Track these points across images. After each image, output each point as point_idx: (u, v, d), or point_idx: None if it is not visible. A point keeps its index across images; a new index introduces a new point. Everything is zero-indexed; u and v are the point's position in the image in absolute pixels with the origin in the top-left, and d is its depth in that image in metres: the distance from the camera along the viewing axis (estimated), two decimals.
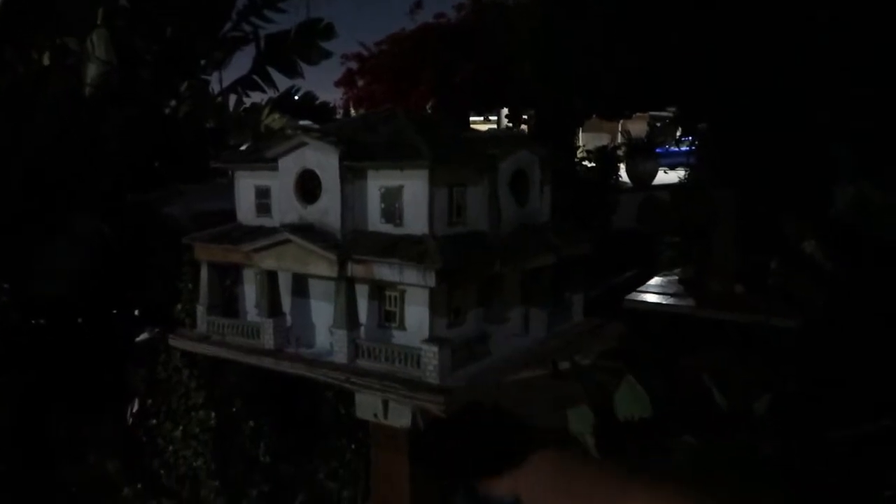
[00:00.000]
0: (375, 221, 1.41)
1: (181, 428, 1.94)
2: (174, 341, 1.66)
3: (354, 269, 1.37)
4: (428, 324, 1.34)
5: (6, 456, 2.41)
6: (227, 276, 1.74)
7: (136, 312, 3.15)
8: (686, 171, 6.85)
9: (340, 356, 1.40)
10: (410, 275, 1.29)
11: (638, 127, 9.26)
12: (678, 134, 8.79)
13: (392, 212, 1.38)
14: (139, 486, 1.99)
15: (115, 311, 3.21)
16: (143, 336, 2.77)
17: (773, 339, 3.47)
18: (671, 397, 2.79)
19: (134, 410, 2.32)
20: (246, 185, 1.60)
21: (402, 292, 1.38)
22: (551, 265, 1.60)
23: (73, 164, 3.17)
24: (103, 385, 2.58)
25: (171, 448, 1.97)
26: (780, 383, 3.07)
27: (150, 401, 2.09)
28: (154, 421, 2.04)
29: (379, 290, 1.41)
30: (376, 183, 1.40)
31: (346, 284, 1.39)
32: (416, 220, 1.36)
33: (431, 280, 1.27)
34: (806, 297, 3.78)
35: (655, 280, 4.42)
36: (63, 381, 2.66)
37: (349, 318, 1.39)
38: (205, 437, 1.91)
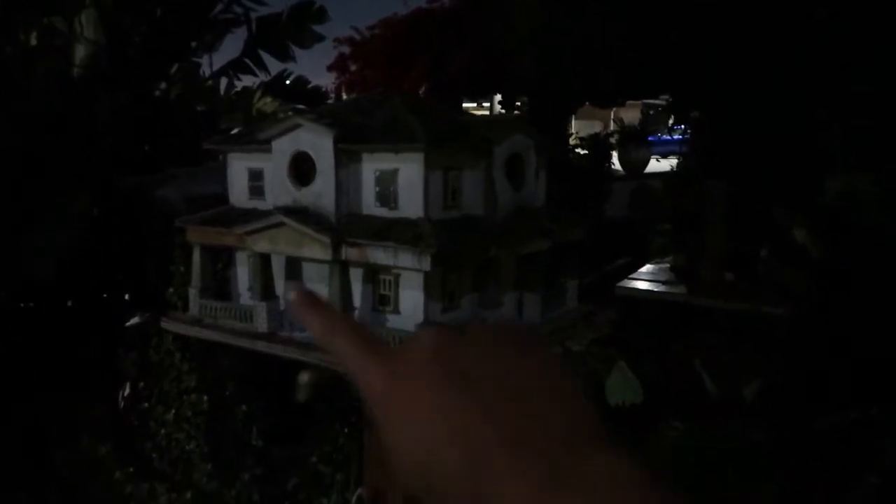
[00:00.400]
0: (370, 205, 1.41)
1: (174, 411, 1.92)
2: (167, 324, 1.66)
3: (349, 253, 1.36)
4: (422, 308, 1.34)
5: None
6: (219, 260, 1.73)
7: (127, 297, 3.13)
8: (679, 159, 6.85)
9: None
10: (405, 258, 1.29)
11: (631, 115, 9.23)
12: (670, 122, 8.77)
13: (387, 195, 1.38)
14: (131, 469, 1.98)
15: (105, 295, 3.18)
16: (134, 320, 2.76)
17: (764, 327, 3.49)
18: (662, 384, 2.80)
19: (126, 394, 2.31)
20: (239, 168, 1.59)
21: (397, 276, 1.38)
22: (546, 250, 1.60)
23: (62, 145, 3.14)
24: (94, 369, 2.56)
25: (163, 431, 1.96)
26: (769, 370, 3.09)
27: (141, 384, 2.08)
28: (146, 404, 2.03)
29: (373, 273, 1.41)
30: (371, 166, 1.39)
31: (341, 268, 1.39)
32: (411, 204, 1.35)
33: (427, 264, 1.27)
34: (796, 286, 3.81)
35: (647, 268, 4.43)
36: (53, 365, 2.65)
37: (343, 301, 1.39)
38: (197, 421, 1.90)
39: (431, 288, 1.33)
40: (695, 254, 4.26)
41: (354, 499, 1.73)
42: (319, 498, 1.84)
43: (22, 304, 2.97)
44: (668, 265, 4.41)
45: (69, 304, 3.09)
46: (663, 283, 4.06)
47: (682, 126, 6.94)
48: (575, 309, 1.77)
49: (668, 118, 8.62)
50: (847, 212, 3.83)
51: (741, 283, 3.92)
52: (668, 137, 8.79)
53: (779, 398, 2.93)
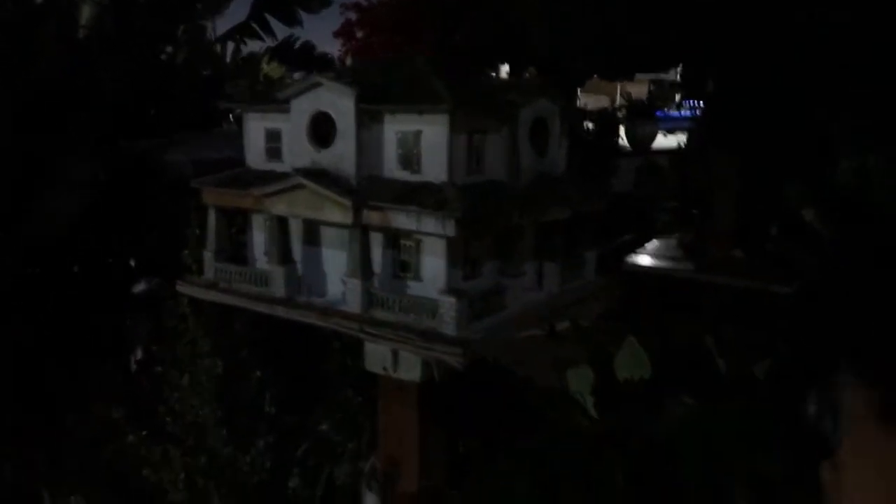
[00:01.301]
0: (391, 168, 1.37)
1: (187, 376, 1.91)
2: (182, 288, 1.63)
3: (370, 217, 1.33)
4: (444, 275, 1.31)
5: (7, 404, 2.38)
6: (234, 223, 1.70)
7: (133, 263, 3.10)
8: (687, 135, 6.78)
9: (353, 306, 1.38)
10: (428, 223, 1.26)
11: (637, 90, 9.13)
12: (678, 98, 8.67)
13: (409, 158, 1.34)
14: (144, 433, 1.98)
15: (111, 260, 3.15)
16: (141, 286, 2.73)
17: (771, 304, 3.48)
18: (670, 359, 2.79)
19: (138, 358, 2.29)
20: (256, 128, 1.55)
21: (419, 242, 1.35)
22: (566, 220, 1.57)
23: (68, 108, 3.08)
24: (103, 333, 2.55)
25: (176, 396, 1.94)
26: (777, 348, 3.08)
27: (154, 348, 2.06)
28: (159, 368, 2.01)
29: (394, 239, 1.38)
30: (393, 127, 1.35)
31: (361, 232, 1.35)
32: (434, 168, 1.32)
33: (451, 229, 1.24)
34: (803, 264, 3.78)
35: (655, 244, 4.41)
36: (60, 329, 2.63)
37: (363, 267, 1.36)
38: (211, 386, 1.89)
39: (454, 254, 1.31)
40: (703, 230, 4.24)
41: (367, 467, 1.73)
42: (331, 466, 1.84)
43: (29, 270, 2.94)
44: (675, 241, 4.39)
45: (75, 269, 3.06)
46: (671, 259, 4.04)
47: (692, 101, 6.85)
48: (593, 281, 1.74)
49: (676, 94, 8.53)
50: (857, 192, 3.79)
51: (749, 260, 3.91)
52: (676, 113, 8.72)
53: (786, 376, 2.93)
